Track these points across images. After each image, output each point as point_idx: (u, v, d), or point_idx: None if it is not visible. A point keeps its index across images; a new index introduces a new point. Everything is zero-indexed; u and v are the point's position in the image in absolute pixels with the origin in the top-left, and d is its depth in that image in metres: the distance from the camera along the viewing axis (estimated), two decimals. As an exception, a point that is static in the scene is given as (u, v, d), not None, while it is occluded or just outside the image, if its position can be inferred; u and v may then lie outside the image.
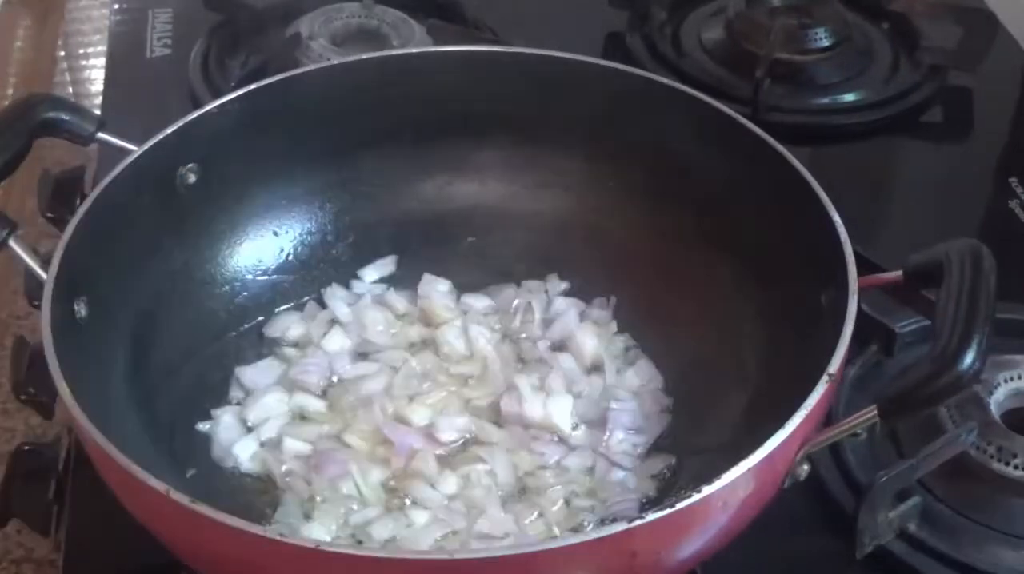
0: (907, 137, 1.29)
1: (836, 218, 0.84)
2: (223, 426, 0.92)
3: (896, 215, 1.22)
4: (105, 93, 1.29)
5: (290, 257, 1.02)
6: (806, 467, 0.75)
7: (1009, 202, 1.18)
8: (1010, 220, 1.16)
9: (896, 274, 0.83)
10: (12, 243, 0.85)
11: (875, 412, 0.73)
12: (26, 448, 0.94)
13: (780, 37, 1.28)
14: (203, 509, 0.68)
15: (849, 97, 1.31)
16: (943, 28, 1.35)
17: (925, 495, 0.87)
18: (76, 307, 0.83)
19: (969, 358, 0.71)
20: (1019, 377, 0.92)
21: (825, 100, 1.31)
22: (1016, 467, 0.87)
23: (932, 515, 0.86)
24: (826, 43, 1.32)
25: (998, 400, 0.91)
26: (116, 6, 1.42)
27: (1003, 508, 0.87)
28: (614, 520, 0.83)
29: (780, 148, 0.91)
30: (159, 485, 0.69)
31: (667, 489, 0.88)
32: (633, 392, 0.95)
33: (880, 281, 0.84)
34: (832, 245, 0.83)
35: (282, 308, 1.01)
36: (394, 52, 1.12)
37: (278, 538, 0.67)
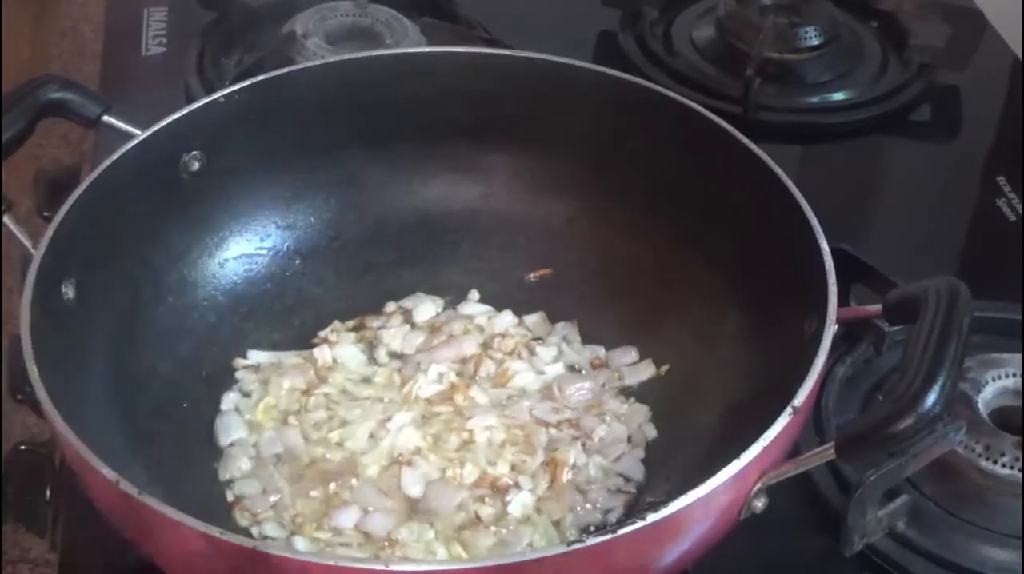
0: (896, 135, 1.30)
1: (824, 247, 0.82)
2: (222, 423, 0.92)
3: (884, 213, 1.22)
4: (100, 91, 1.29)
5: (291, 250, 1.02)
6: (763, 501, 0.74)
7: (997, 200, 1.18)
8: (997, 218, 1.17)
9: (876, 308, 0.82)
10: (5, 220, 0.85)
11: (832, 450, 0.73)
12: (22, 448, 0.94)
13: (770, 36, 1.29)
14: (150, 501, 0.67)
15: (838, 96, 1.31)
16: (931, 27, 1.35)
17: (914, 493, 0.87)
18: (64, 289, 0.82)
19: (931, 401, 0.69)
20: (1007, 375, 0.93)
21: (815, 99, 1.31)
22: (1004, 465, 0.87)
23: (921, 513, 0.87)
24: (816, 42, 1.33)
25: (986, 398, 0.91)
26: (111, 3, 1.41)
27: (991, 506, 0.88)
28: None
29: (782, 176, 0.88)
30: (110, 474, 0.68)
31: (633, 507, 0.87)
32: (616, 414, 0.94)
33: (860, 313, 0.84)
34: (817, 274, 0.81)
35: (281, 305, 1.00)
36: (408, 50, 1.12)
37: (217, 535, 0.66)
